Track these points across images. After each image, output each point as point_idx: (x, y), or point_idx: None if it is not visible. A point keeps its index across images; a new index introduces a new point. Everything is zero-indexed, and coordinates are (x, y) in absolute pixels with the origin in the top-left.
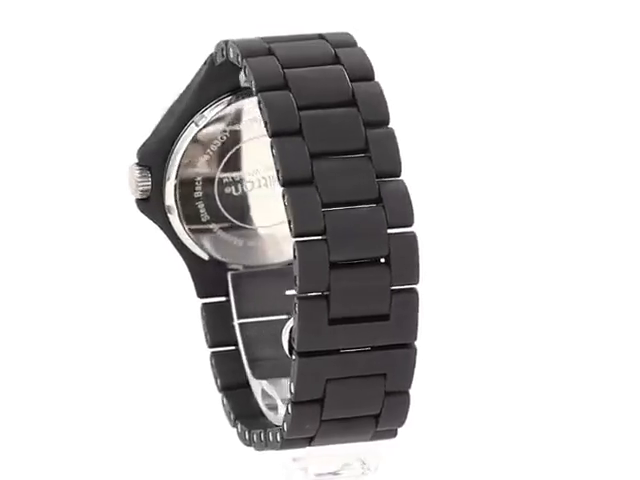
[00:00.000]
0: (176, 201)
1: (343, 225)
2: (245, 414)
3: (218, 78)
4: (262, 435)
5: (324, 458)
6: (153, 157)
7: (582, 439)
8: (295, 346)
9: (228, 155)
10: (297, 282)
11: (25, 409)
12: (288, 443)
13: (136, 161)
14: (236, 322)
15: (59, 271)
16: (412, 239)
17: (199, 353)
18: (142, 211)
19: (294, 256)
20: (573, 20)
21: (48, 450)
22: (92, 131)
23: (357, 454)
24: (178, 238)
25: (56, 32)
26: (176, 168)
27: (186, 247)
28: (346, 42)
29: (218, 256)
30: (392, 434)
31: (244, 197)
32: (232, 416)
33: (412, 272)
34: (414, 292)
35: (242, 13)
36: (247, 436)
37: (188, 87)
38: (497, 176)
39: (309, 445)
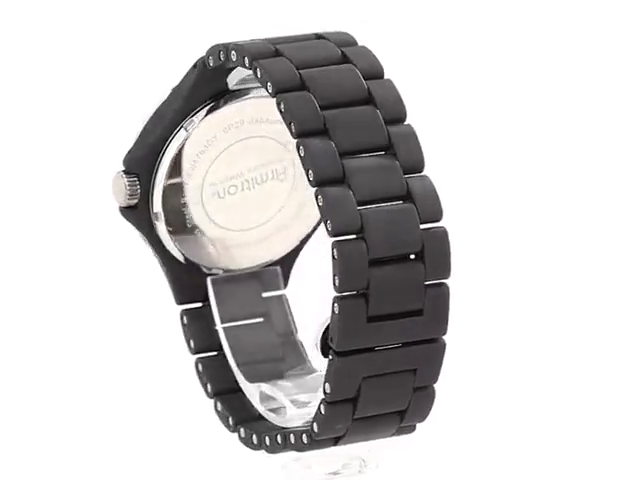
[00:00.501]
0: (164, 207)
1: (379, 223)
2: (246, 418)
3: (207, 82)
4: (279, 437)
5: (324, 458)
6: (141, 164)
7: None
8: (334, 346)
9: (215, 159)
10: (336, 282)
11: (9, 418)
12: (316, 444)
13: (122, 169)
14: (220, 327)
15: (41, 280)
16: (443, 234)
17: (179, 360)
18: (127, 219)
19: (332, 256)
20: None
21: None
22: (69, 137)
23: (357, 453)
24: (162, 245)
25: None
26: (165, 174)
27: (168, 253)
28: (348, 41)
29: (202, 262)
30: (412, 429)
31: (228, 201)
32: (232, 421)
33: (445, 267)
34: (446, 286)
35: (219, 15)
36: (256, 440)
37: (176, 92)
38: (503, 165)
39: (335, 445)
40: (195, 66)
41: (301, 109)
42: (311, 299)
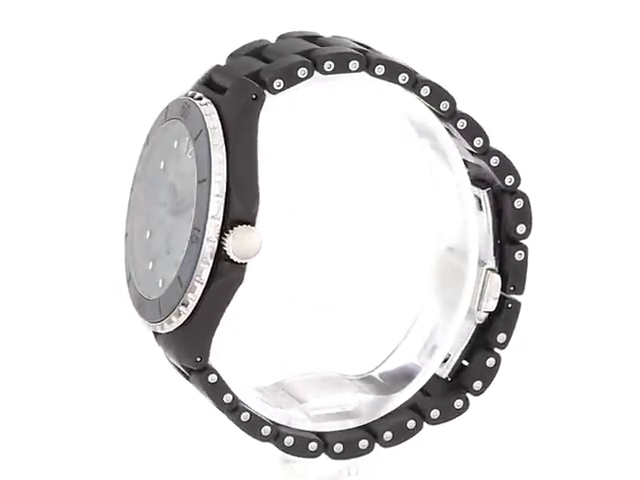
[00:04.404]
0: None
1: None
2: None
3: None
4: (410, 423)
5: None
6: (256, 214)
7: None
8: (520, 290)
9: None
10: (523, 230)
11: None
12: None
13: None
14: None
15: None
16: None
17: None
18: (234, 273)
19: (513, 207)
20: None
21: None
22: None
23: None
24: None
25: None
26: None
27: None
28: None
29: None
30: None
31: None
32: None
33: None
34: None
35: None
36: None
37: (247, 130)
38: None
39: None
40: (256, 97)
41: (444, 87)
42: None
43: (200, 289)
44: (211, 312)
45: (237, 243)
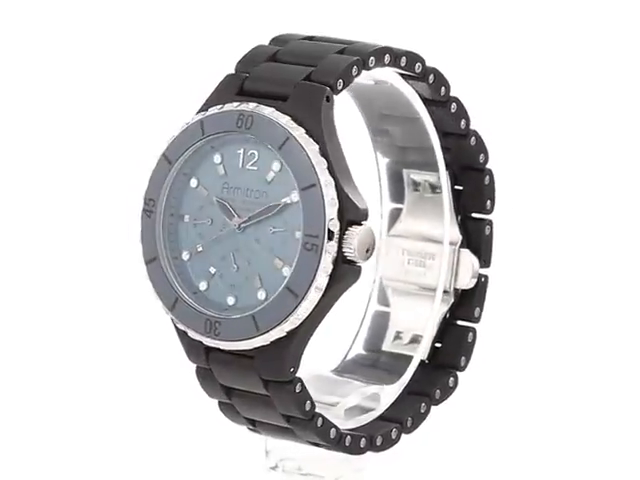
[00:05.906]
0: None
1: None
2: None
3: None
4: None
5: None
6: (367, 213)
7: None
8: (487, 264)
9: None
10: (491, 206)
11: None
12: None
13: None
14: None
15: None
16: None
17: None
18: (350, 274)
19: (484, 184)
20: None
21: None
22: None
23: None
24: None
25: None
26: None
27: None
28: None
29: None
30: None
31: None
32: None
33: None
34: None
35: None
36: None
37: (332, 131)
38: None
39: None
40: (328, 99)
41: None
42: None
43: (318, 297)
44: (317, 319)
45: (360, 244)
